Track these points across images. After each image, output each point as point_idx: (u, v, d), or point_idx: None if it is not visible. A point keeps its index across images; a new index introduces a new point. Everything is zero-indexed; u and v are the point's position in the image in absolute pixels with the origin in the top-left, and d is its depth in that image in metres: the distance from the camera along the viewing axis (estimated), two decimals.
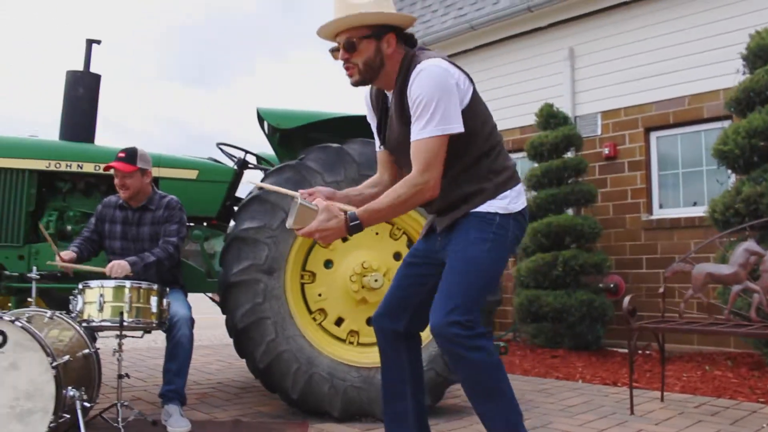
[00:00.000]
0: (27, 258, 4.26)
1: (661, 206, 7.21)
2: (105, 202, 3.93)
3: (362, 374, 3.68)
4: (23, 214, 4.25)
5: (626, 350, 6.42)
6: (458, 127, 2.23)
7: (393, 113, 2.39)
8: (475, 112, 2.31)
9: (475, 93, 2.33)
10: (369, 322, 3.67)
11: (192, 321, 3.60)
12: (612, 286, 6.89)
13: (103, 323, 3.20)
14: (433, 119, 2.20)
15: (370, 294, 3.77)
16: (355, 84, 2.39)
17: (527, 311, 6.57)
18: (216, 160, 4.73)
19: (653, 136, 7.31)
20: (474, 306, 2.23)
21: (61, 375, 2.70)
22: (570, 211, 7.21)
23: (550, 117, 7.13)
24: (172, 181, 4.36)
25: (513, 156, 8.34)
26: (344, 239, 3.89)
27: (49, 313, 3.09)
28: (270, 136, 4.36)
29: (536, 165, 7.09)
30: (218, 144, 4.69)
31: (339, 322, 3.87)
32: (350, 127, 3.96)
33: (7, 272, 4.29)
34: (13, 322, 2.71)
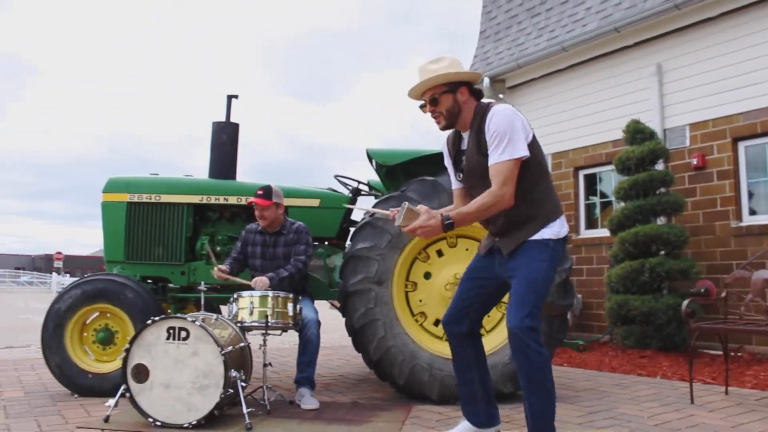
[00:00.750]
0: (187, 274, 5.35)
1: (752, 213, 7.48)
2: (247, 229, 4.92)
3: None
4: (183, 239, 5.35)
5: (716, 352, 6.83)
6: (525, 153, 2.92)
7: (471, 148, 3.11)
8: (534, 149, 3.00)
9: (534, 135, 3.04)
10: None
11: (319, 323, 4.51)
12: (703, 290, 7.24)
13: (253, 324, 4.15)
14: (507, 147, 2.90)
15: None
16: (443, 128, 3.18)
17: (617, 315, 7.08)
18: (334, 190, 5.65)
19: (741, 145, 7.59)
20: (538, 312, 2.90)
21: (228, 360, 3.66)
22: (662, 220, 7.64)
23: (636, 132, 7.60)
24: (299, 209, 5.32)
25: (604, 168, 8.93)
26: (440, 255, 4.70)
27: (214, 316, 4.08)
28: (378, 170, 5.22)
29: (624, 178, 7.57)
30: (336, 176, 5.62)
31: (437, 323, 4.67)
32: (442, 161, 4.76)
33: (171, 285, 5.41)
34: (193, 322, 3.70)
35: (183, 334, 3.71)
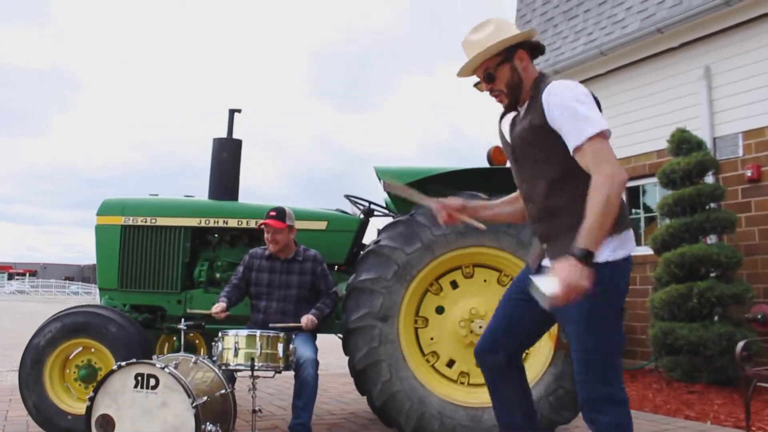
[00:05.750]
0: (184, 302, 4.92)
1: None
2: (252, 253, 4.48)
3: (470, 413, 3.91)
4: (180, 265, 4.92)
5: None
6: (606, 125, 2.24)
7: (520, 120, 2.47)
8: None
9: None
10: None
11: (316, 362, 4.02)
12: (760, 316, 6.53)
13: (238, 367, 3.69)
14: (585, 121, 2.24)
15: (478, 339, 4.00)
16: (507, 108, 2.55)
17: (662, 343, 6.43)
18: (343, 211, 5.17)
19: None
20: (610, 369, 2.39)
21: (200, 413, 3.20)
22: (712, 239, 6.96)
23: (682, 142, 6.94)
24: (304, 232, 4.82)
25: (648, 180, 8.25)
26: (454, 287, 4.19)
27: (194, 358, 3.63)
28: (385, 189, 4.72)
29: (669, 193, 6.92)
30: (346, 195, 5.14)
31: (450, 363, 4.14)
32: (458, 178, 4.26)
33: (167, 314, 5.00)
34: (163, 368, 3.26)
35: (152, 381, 3.26)
